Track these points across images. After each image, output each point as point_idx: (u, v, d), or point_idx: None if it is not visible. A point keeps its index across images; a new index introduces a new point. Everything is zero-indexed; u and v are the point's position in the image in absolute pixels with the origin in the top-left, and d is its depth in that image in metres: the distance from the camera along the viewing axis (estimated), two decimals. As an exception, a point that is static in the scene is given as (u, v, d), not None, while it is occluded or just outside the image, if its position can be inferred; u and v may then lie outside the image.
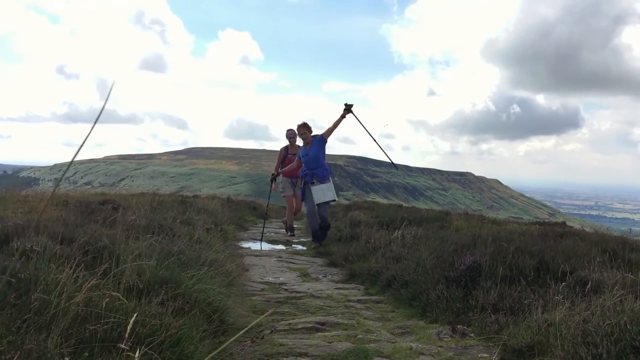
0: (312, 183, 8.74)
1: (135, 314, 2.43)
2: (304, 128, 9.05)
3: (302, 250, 9.08)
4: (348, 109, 8.60)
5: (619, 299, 3.43)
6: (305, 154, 8.95)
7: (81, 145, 1.16)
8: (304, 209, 10.24)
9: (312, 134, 9.32)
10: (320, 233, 8.95)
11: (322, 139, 8.91)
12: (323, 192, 8.69)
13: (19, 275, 2.78)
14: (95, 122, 1.19)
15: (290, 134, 10.83)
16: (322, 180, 8.75)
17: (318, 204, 8.69)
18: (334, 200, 8.99)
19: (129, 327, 2.16)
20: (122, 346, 1.99)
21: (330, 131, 8.88)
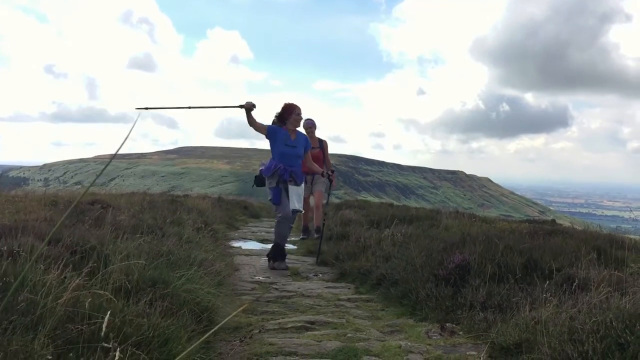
0: (290, 181, 6.99)
1: (109, 311, 2.43)
2: (299, 110, 7.18)
3: (293, 249, 9.08)
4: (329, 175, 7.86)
5: (605, 296, 3.46)
6: (292, 145, 7.05)
7: (122, 143, 1.16)
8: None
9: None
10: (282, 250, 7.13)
11: (308, 147, 7.33)
12: (299, 198, 7.08)
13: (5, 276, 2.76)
14: (134, 124, 1.21)
15: (308, 124, 9.28)
16: (299, 181, 7.11)
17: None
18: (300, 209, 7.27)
19: (104, 325, 2.15)
20: (104, 344, 1.98)
21: (308, 161, 7.45)
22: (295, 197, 6.95)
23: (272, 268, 6.85)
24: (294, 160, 7.05)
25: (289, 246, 9.51)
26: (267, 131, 7.02)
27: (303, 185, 7.25)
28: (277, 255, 7.00)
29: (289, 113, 7.10)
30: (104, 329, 1.97)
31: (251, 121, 6.97)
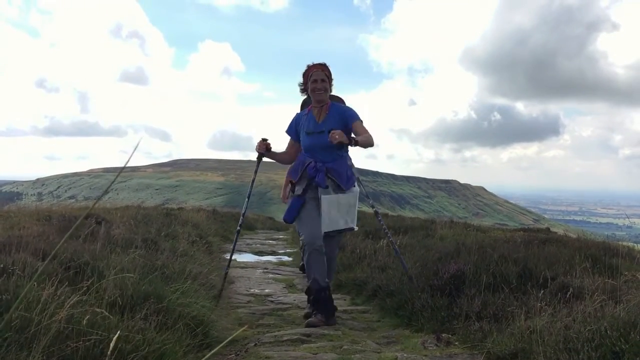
0: (325, 188, 4.69)
1: (119, 331, 2.42)
2: (325, 71, 4.83)
3: (288, 261, 9.06)
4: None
5: (600, 304, 3.47)
6: (320, 131, 4.76)
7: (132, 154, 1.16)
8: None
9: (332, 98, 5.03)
10: (323, 295, 4.70)
11: (351, 118, 4.80)
12: (339, 210, 4.69)
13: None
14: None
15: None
16: (345, 185, 4.75)
17: (327, 233, 4.68)
18: (352, 229, 4.87)
19: (111, 345, 2.14)
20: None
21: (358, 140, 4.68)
22: (334, 210, 4.66)
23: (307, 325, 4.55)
24: (329, 153, 4.75)
25: (283, 257, 9.48)
26: (291, 135, 5.05)
27: (355, 188, 4.89)
28: (314, 301, 4.75)
29: (304, 81, 4.96)
30: (111, 347, 1.96)
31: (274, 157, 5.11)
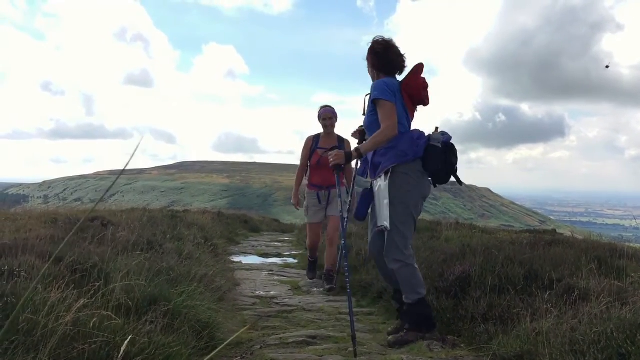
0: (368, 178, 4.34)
1: (130, 335, 2.43)
2: (373, 57, 4.20)
3: (294, 263, 9.06)
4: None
5: (606, 306, 3.46)
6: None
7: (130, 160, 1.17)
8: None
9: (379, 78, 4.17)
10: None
11: (373, 97, 4.04)
12: (377, 202, 4.14)
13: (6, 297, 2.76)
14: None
15: (327, 112, 6.50)
16: (370, 172, 4.21)
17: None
18: (384, 227, 4.04)
19: (122, 348, 2.15)
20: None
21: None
22: (377, 202, 4.11)
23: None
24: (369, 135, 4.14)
25: (289, 260, 9.49)
26: None
27: (381, 182, 4.04)
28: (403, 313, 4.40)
29: None
30: (122, 350, 1.97)
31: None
